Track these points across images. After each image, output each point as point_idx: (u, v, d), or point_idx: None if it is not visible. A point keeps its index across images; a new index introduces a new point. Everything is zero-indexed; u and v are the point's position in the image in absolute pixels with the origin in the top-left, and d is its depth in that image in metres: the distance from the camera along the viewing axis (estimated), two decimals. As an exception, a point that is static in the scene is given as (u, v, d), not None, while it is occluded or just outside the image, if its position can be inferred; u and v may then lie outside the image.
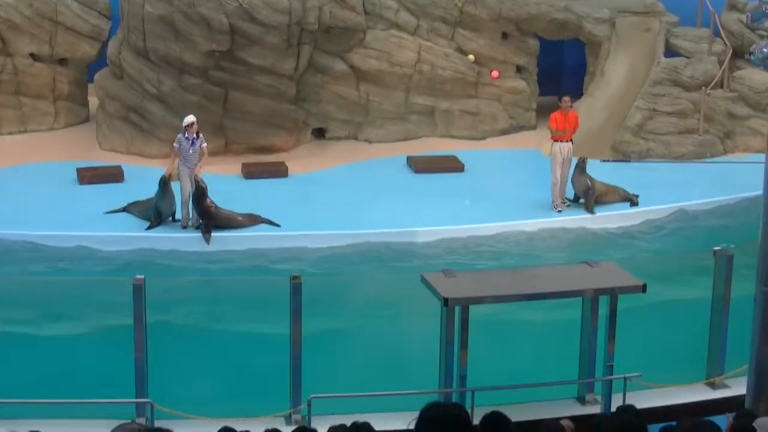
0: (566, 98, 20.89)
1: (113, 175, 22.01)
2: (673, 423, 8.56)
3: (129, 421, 12.23)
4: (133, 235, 19.54)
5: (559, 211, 20.81)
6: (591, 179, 20.88)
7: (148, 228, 19.67)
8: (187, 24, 22.44)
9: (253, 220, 20.00)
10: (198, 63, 22.65)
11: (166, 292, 16.77)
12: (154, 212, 19.80)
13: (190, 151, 19.51)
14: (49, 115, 24.32)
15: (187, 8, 22.35)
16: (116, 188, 21.43)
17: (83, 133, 24.08)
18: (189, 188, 19.62)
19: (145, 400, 13.62)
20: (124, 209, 20.33)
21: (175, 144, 19.64)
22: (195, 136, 19.54)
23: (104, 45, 24.10)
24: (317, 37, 23.48)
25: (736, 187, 21.48)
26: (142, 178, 21.67)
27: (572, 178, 20.93)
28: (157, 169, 21.26)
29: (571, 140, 20.77)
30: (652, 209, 21.12)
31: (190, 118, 19.66)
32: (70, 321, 17.35)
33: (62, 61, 24.36)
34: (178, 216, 19.94)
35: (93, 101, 24.33)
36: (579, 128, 21.08)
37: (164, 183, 19.62)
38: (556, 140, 20.75)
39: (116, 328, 15.68)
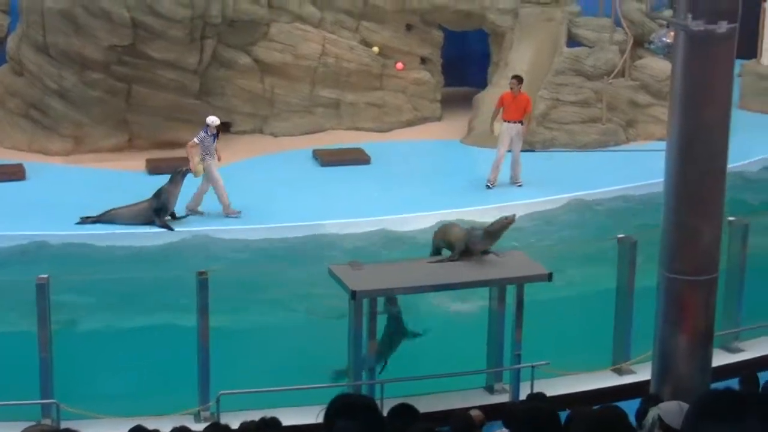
0: (513, 81, 21.49)
1: (15, 173, 21.63)
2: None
3: (35, 423, 12.08)
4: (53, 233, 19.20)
5: (488, 187, 21.34)
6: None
7: (177, 222, 19.54)
8: (88, 18, 22.15)
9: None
10: (100, 58, 22.38)
11: (73, 290, 16.57)
12: (164, 211, 19.48)
13: (215, 146, 19.78)
14: (-53, 113, 23.83)
15: (87, 2, 22.07)
16: (18, 186, 21.09)
17: (-17, 130, 23.61)
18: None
19: (51, 400, 13.44)
20: (100, 219, 19.48)
21: (196, 140, 19.63)
22: (216, 132, 19.80)
23: (3, 41, 23.68)
24: (221, 31, 23.32)
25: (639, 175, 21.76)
26: (45, 175, 21.36)
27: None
28: (61, 166, 20.92)
29: (521, 122, 21.30)
30: (554, 198, 21.32)
31: (217, 120, 19.88)
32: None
33: (-40, 58, 23.91)
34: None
35: (-7, 98, 23.88)
36: (530, 112, 21.72)
37: (183, 175, 19.59)
38: (504, 119, 21.35)
39: (20, 329, 15.43)
